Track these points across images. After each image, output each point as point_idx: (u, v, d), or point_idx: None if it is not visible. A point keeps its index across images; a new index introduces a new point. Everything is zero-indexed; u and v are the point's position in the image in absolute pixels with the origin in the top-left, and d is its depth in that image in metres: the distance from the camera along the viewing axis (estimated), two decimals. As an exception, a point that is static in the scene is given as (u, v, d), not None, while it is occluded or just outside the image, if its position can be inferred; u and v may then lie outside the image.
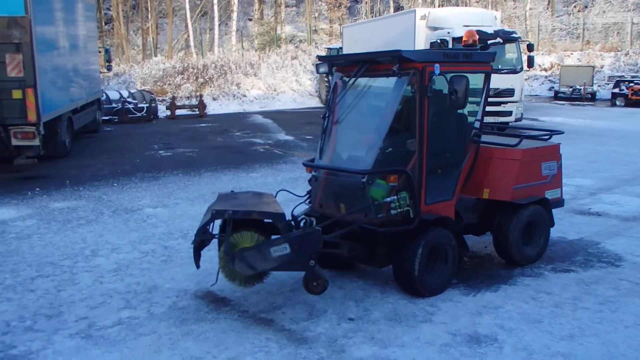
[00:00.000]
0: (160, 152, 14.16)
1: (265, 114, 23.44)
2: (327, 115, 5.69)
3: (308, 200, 5.83)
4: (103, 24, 38.42)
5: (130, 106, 20.44)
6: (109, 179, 10.92)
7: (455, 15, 16.78)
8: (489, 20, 16.93)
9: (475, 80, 5.58)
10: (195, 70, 26.99)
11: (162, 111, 22.52)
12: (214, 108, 24.33)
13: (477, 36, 6.00)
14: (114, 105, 20.20)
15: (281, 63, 29.59)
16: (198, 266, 4.78)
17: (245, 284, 4.75)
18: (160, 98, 24.31)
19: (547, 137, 6.67)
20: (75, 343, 4.52)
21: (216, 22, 35.39)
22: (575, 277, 5.81)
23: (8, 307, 5.22)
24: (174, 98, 22.97)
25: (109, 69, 21.74)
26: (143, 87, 24.73)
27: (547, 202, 6.22)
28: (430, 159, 5.27)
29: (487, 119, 15.73)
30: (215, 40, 35.11)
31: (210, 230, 4.70)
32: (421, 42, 17.14)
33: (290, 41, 37.29)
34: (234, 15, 35.58)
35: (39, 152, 11.59)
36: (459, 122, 5.79)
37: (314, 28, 39.65)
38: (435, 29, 16.89)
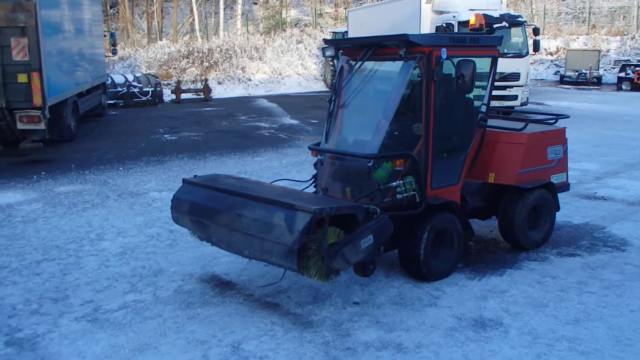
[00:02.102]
0: (165, 136, 14.15)
1: (270, 98, 23.37)
2: (333, 99, 5.68)
3: (313, 184, 5.81)
4: (108, 7, 38.27)
5: (136, 90, 20.41)
6: (114, 162, 10.93)
7: None
8: (494, 4, 16.75)
9: (482, 64, 5.54)
10: (201, 54, 26.90)
11: (168, 95, 22.50)
12: (219, 92, 24.28)
13: (484, 21, 6.02)
14: (119, 89, 20.18)
15: (286, 47, 29.43)
16: (297, 270, 4.28)
17: (328, 279, 4.47)
18: (166, 82, 24.25)
19: (552, 121, 6.65)
20: (81, 326, 4.55)
21: (221, 6, 35.17)
22: (581, 262, 5.80)
23: (14, 290, 5.24)
24: (179, 82, 22.94)
25: (114, 52, 21.69)
26: (148, 71, 24.67)
27: (553, 186, 6.21)
28: (437, 143, 5.25)
29: (493, 103, 15.82)
30: (220, 24, 34.92)
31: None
32: (427, 26, 17.00)
33: (295, 25, 37.08)
34: (239, -1, 35.36)
35: (45, 136, 11.60)
36: (466, 107, 5.76)
37: (319, 12, 39.37)
38: (441, 12, 16.74)
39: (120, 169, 10.42)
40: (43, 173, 10.02)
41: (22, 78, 10.84)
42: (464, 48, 5.32)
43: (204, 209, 4.90)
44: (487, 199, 6.11)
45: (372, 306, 4.81)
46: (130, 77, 20.94)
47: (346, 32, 24.34)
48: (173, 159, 11.20)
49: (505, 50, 15.86)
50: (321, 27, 35.03)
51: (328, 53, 5.74)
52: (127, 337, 4.34)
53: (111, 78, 20.11)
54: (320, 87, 26.98)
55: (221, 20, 35.03)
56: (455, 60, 4.97)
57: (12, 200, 8.30)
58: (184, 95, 22.06)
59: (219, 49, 27.49)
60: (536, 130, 6.17)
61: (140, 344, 4.25)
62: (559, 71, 29.76)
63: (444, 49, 4.98)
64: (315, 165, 5.71)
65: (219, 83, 25.46)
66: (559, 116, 6.73)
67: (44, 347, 4.25)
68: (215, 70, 26.40)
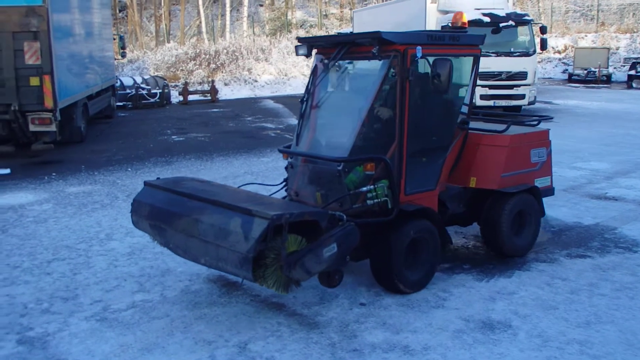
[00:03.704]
0: (173, 137, 14.21)
1: (276, 99, 23.40)
2: (305, 99, 5.45)
3: (284, 188, 5.58)
4: (117, 11, 38.49)
5: (144, 92, 20.50)
6: (123, 163, 11.00)
7: None
8: (500, 2, 16.71)
9: (463, 64, 5.40)
10: (207, 56, 26.99)
11: (175, 97, 22.59)
12: (225, 93, 24.33)
13: (466, 19, 5.78)
14: (128, 91, 20.28)
15: (292, 48, 29.40)
16: (253, 279, 4.06)
17: (287, 290, 4.27)
18: (173, 84, 24.36)
19: (535, 122, 6.41)
20: (90, 325, 4.59)
21: (227, 8, 35.29)
22: (592, 263, 5.76)
23: (25, 289, 5.30)
24: (186, 84, 23.01)
25: (123, 55, 21.82)
26: (156, 73, 24.78)
27: (537, 190, 5.98)
28: (412, 146, 5.02)
29: (500, 103, 15.83)
30: (226, 26, 35.02)
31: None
32: (432, 26, 16.95)
33: (301, 26, 37.15)
34: (245, 1, 35.46)
35: (55, 138, 11.71)
36: (445, 108, 5.55)
37: (324, 13, 39.44)
38: (447, 12, 16.69)
39: (129, 169, 10.48)
40: (54, 174, 10.10)
41: (34, 81, 10.96)
42: (443, 47, 5.12)
43: (162, 213, 4.67)
44: (469, 205, 5.83)
45: (379, 307, 4.81)
46: (139, 80, 21.04)
47: (352, 32, 24.39)
48: (180, 160, 11.25)
49: (512, 49, 15.87)
50: (326, 28, 35.09)
51: (301, 52, 5.45)
52: (135, 337, 4.37)
53: (120, 80, 20.22)
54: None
55: (227, 22, 35.14)
56: (431, 59, 4.79)
57: (24, 201, 8.37)
58: (191, 97, 22.14)
59: (225, 50, 27.58)
60: (519, 132, 5.98)
61: (148, 344, 4.28)
62: (567, 69, 29.62)
63: (419, 47, 4.78)
64: (286, 168, 5.48)
65: (226, 84, 25.53)
66: (542, 117, 6.52)
67: (54, 346, 4.29)
68: (222, 72, 26.49)
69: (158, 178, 5.32)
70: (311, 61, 5.58)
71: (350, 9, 35.90)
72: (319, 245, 4.19)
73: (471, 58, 5.47)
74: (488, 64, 15.55)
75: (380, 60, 4.87)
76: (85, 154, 12.04)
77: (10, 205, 8.13)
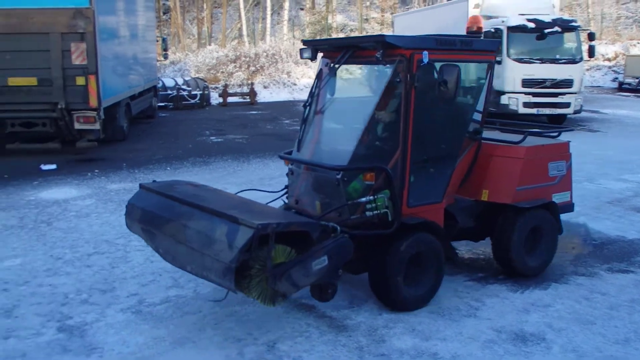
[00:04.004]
0: (211, 138, 14.44)
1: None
2: (309, 103, 5.24)
3: (285, 195, 5.41)
4: (161, 13, 39.24)
5: (185, 93, 20.88)
6: (162, 162, 11.23)
7: (511, 3, 16.28)
8: (546, 8, 16.41)
9: (477, 70, 5.24)
10: (247, 59, 27.26)
11: (215, 98, 22.90)
12: (264, 96, 24.56)
13: (482, 23, 5.44)
14: (169, 92, 20.70)
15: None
16: (235, 290, 3.91)
17: (274, 302, 4.10)
18: (213, 86, 24.70)
19: (555, 134, 6.05)
20: (126, 317, 4.73)
21: (268, 12, 35.62)
22: (634, 279, 5.60)
23: (67, 280, 5.49)
24: (226, 86, 23.32)
25: (166, 57, 22.24)
26: (197, 75, 25.18)
27: (554, 206, 5.64)
28: (416, 156, 4.79)
29: (544, 111, 15.56)
30: (267, 29, 35.35)
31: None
32: (475, 32, 16.82)
33: (341, 30, 37.24)
34: (286, 5, 35.73)
35: (99, 136, 12.07)
36: (454, 116, 5.33)
37: (365, 17, 39.45)
38: (489, 17, 16.52)
39: (168, 168, 10.70)
40: (97, 171, 10.39)
41: (80, 81, 11.33)
42: (454, 52, 4.89)
43: (152, 217, 4.53)
44: (480, 219, 5.55)
45: (409, 314, 4.78)
46: (180, 81, 21.45)
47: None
48: (218, 161, 11.42)
49: (558, 56, 15.59)
50: (367, 33, 35.07)
51: (305, 55, 5.22)
52: (167, 330, 4.47)
53: (162, 81, 20.63)
54: (364, 91, 26.88)
55: (268, 25, 35.47)
56: (438, 65, 4.58)
57: (68, 196, 8.65)
58: (230, 99, 22.44)
59: (265, 53, 27.80)
60: (536, 143, 5.66)
61: (179, 337, 4.38)
62: (617, 78, 28.82)
63: (425, 52, 4.54)
64: (287, 174, 5.29)
65: (265, 87, 25.76)
66: (562, 129, 6.14)
67: (91, 335, 4.44)
68: (261, 75, 26.73)
69: (154, 181, 5.24)
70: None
71: (391, 13, 35.82)
72: (308, 257, 4.04)
73: (485, 65, 5.24)
74: (532, 70, 15.33)
75: (385, 65, 4.67)
76: (127, 152, 12.33)
77: (55, 199, 8.41)
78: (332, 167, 4.63)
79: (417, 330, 4.53)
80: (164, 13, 41.76)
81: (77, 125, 11.61)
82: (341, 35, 34.71)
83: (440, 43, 4.78)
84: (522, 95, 15.42)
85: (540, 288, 5.35)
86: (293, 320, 4.67)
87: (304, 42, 5.35)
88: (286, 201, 5.32)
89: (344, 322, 4.66)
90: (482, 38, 5.26)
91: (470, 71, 5.03)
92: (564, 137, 6.03)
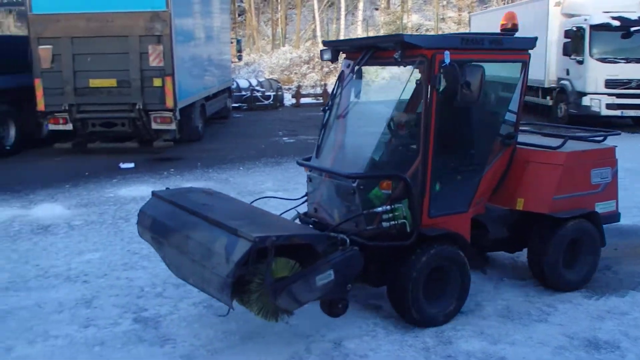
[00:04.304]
0: (284, 138, 14.67)
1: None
2: (329, 107, 5.04)
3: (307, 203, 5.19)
4: (236, 15, 40.14)
5: (258, 94, 21.32)
6: (235, 162, 11.52)
7: (594, 0, 15.66)
8: (632, 4, 15.59)
9: (509, 71, 4.94)
10: (321, 60, 27.46)
11: (288, 99, 23.24)
12: (337, 97, 24.64)
13: (517, 20, 5.03)
14: (243, 93, 21.19)
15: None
16: (232, 306, 3.78)
17: (277, 318, 3.94)
18: (287, 87, 25.09)
19: (600, 138, 5.64)
20: (197, 311, 4.90)
21: (342, 12, 35.75)
22: None
23: (142, 274, 5.76)
24: (299, 87, 23.64)
25: (240, 58, 22.77)
26: (271, 76, 25.66)
27: (597, 216, 5.23)
28: (439, 163, 4.51)
29: (629, 113, 14.80)
30: (341, 30, 35.49)
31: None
32: (555, 30, 16.25)
33: (416, 30, 36.80)
34: (360, 5, 35.74)
35: (175, 136, 12.51)
36: (482, 121, 5.05)
37: (441, 16, 38.82)
38: (571, 15, 15.92)
39: (241, 168, 10.97)
40: (172, 170, 10.79)
41: (157, 82, 11.78)
42: (482, 52, 4.58)
43: (161, 226, 4.44)
44: (515, 229, 5.25)
45: (478, 317, 4.72)
46: (254, 82, 21.92)
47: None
48: (290, 161, 11.57)
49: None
50: (443, 32, 34.53)
51: (326, 57, 5.02)
52: (237, 325, 4.59)
53: (236, 82, 21.14)
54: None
55: (342, 26, 35.60)
56: (464, 65, 4.26)
57: (145, 193, 8.95)
58: (303, 100, 22.70)
59: (339, 54, 27.92)
60: (578, 148, 5.28)
61: (249, 332, 4.49)
62: None
63: (446, 52, 4.22)
64: (307, 181, 5.08)
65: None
66: (608, 132, 5.72)
67: (165, 327, 4.64)
68: (335, 75, 26.87)
69: (167, 188, 5.19)
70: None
71: (469, 12, 35.10)
72: (311, 271, 3.85)
73: (519, 64, 4.91)
74: (616, 71, 14.66)
75: (405, 66, 4.41)
76: (202, 152, 12.72)
77: (133, 197, 8.80)
78: (347, 174, 4.42)
79: (485, 333, 4.46)
80: (239, 15, 42.70)
81: (154, 125, 12.09)
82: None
83: (467, 42, 4.50)
84: (605, 96, 14.75)
85: (617, 295, 5.14)
86: (360, 319, 4.70)
87: (324, 42, 5.22)
88: (298, 211, 5.10)
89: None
90: (515, 35, 4.94)
91: (501, 72, 4.77)
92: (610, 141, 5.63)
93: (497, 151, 4.95)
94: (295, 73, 27.00)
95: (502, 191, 5.12)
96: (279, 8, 39.87)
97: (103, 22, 11.62)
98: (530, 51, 4.90)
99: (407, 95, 4.67)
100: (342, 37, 34.42)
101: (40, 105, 11.93)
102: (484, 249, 5.26)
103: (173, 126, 12.13)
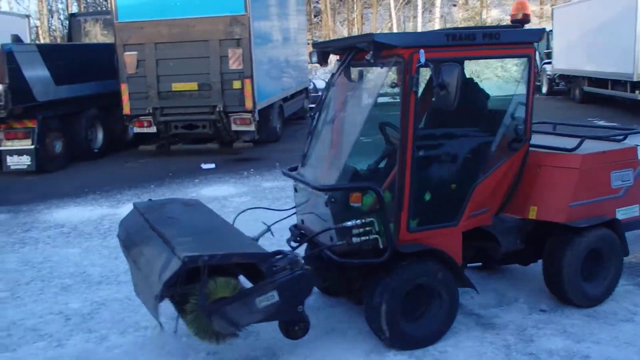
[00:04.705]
0: (361, 138, 14.66)
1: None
2: (315, 113, 4.74)
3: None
4: (312, 16, 40.62)
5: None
6: (313, 162, 11.67)
7: None
8: None
9: (508, 68, 4.55)
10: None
11: (365, 99, 23.22)
12: (415, 95, 24.43)
13: (529, 10, 4.51)
14: (320, 93, 21.31)
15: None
16: (161, 325, 3.72)
17: (218, 340, 3.76)
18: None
19: (621, 137, 5.12)
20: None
21: (419, 10, 35.39)
22: None
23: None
24: (376, 86, 23.56)
25: (316, 59, 22.97)
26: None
27: (618, 223, 4.74)
28: (421, 173, 4.17)
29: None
30: (418, 28, 35.11)
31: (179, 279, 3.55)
32: (644, 23, 15.39)
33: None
34: (438, 2, 35.21)
35: (254, 137, 12.83)
36: (475, 124, 4.62)
37: (522, 10, 37.64)
38: (663, 5, 15.03)
39: (318, 168, 11.11)
40: (252, 170, 11.10)
41: (236, 85, 12.09)
42: (475, 48, 4.12)
43: (128, 240, 4.34)
44: (529, 240, 4.78)
45: (561, 315, 4.62)
46: (330, 82, 22.05)
47: (551, 31, 22.91)
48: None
49: None
50: (524, 27, 33.42)
51: (313, 59, 4.73)
52: (318, 320, 4.65)
53: (313, 83, 21.37)
54: (522, 90, 25.71)
55: (419, 24, 35.23)
56: (440, 65, 3.79)
57: (227, 193, 9.36)
58: (380, 99, 22.62)
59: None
60: (595, 149, 4.75)
61: (330, 328, 4.57)
62: None
63: (421, 51, 3.78)
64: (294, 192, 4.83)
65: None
66: (628, 130, 5.20)
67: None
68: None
69: (150, 200, 5.09)
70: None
71: (552, 6, 33.83)
72: (251, 292, 3.66)
73: (523, 60, 4.41)
74: None
75: (381, 68, 4.07)
76: (280, 152, 12.98)
77: (215, 196, 9.13)
78: (316, 186, 4.16)
79: (568, 332, 4.36)
80: (315, 16, 43.15)
81: (234, 127, 12.45)
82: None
83: (454, 38, 4.03)
84: None
85: None
86: (439, 316, 4.69)
87: (313, 44, 4.94)
88: (266, 223, 4.83)
89: (491, 320, 4.60)
90: (525, 27, 4.48)
91: (498, 69, 4.43)
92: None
93: (499, 157, 4.45)
94: (371, 72, 26.98)
95: (513, 199, 4.69)
96: (355, 8, 39.95)
97: (184, 27, 12.00)
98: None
99: (385, 99, 4.30)
100: (418, 35, 33.96)
101: (126, 109, 12.52)
102: (496, 262, 4.92)
103: (252, 127, 12.42)
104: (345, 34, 40.91)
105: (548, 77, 22.71)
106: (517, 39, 4.33)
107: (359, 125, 4.28)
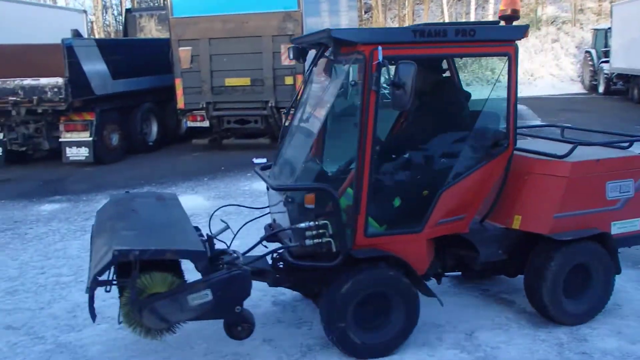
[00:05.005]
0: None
1: (520, 99, 22.38)
2: (291, 110, 4.67)
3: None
4: (363, 12, 40.53)
5: (386, 91, 21.39)
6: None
7: None
8: None
9: (486, 66, 4.27)
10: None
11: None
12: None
13: (519, 5, 4.26)
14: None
15: (540, 47, 28.10)
16: (94, 319, 3.56)
17: (152, 336, 3.72)
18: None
19: (625, 144, 4.71)
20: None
21: (472, 6, 34.88)
22: None
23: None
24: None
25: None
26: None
27: (609, 238, 4.37)
28: (382, 175, 4.04)
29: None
30: (470, 24, 34.62)
31: (110, 274, 3.63)
32: None
33: (552, 23, 34.99)
34: (491, -2, 34.66)
35: (304, 132, 12.92)
36: (442, 126, 4.40)
37: (579, 7, 36.60)
38: None
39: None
40: (302, 164, 11.20)
41: (288, 80, 12.20)
42: (446, 45, 3.89)
43: (93, 230, 4.34)
44: (514, 250, 4.48)
45: (615, 317, 4.57)
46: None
47: (609, 29, 22.22)
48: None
49: None
50: (581, 24, 32.57)
51: (291, 55, 4.58)
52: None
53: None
54: (577, 89, 25.17)
55: (472, 20, 34.75)
56: (396, 63, 3.60)
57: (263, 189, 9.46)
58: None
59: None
60: (589, 157, 4.37)
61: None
62: None
63: (379, 48, 3.60)
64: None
65: (467, 84, 25.37)
66: (634, 138, 4.75)
67: (301, 311, 4.92)
68: (464, 72, 26.37)
69: (127, 192, 5.00)
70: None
71: (611, 2, 32.82)
72: (183, 290, 3.59)
73: (503, 59, 4.12)
74: None
75: (343, 64, 3.93)
76: (331, 148, 13.05)
77: (264, 191, 9.24)
78: (272, 185, 4.11)
79: (623, 333, 4.32)
80: (365, 12, 43.06)
81: (285, 123, 12.55)
82: (551, 28, 32.55)
83: (422, 34, 3.81)
84: None
85: None
86: (492, 313, 4.71)
87: (291, 40, 4.69)
88: (226, 222, 4.69)
89: (544, 319, 4.54)
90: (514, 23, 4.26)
91: (475, 68, 4.23)
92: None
93: (473, 163, 4.19)
94: (422, 69, 26.80)
95: (499, 207, 4.43)
96: (406, 4, 39.67)
97: (238, 23, 12.16)
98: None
99: (341, 98, 4.17)
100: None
101: (180, 104, 12.82)
102: (477, 273, 4.59)
103: (303, 123, 12.52)
104: (396, 31, 40.66)
105: (605, 76, 22.08)
106: (496, 36, 4.11)
107: (322, 124, 4.19)
